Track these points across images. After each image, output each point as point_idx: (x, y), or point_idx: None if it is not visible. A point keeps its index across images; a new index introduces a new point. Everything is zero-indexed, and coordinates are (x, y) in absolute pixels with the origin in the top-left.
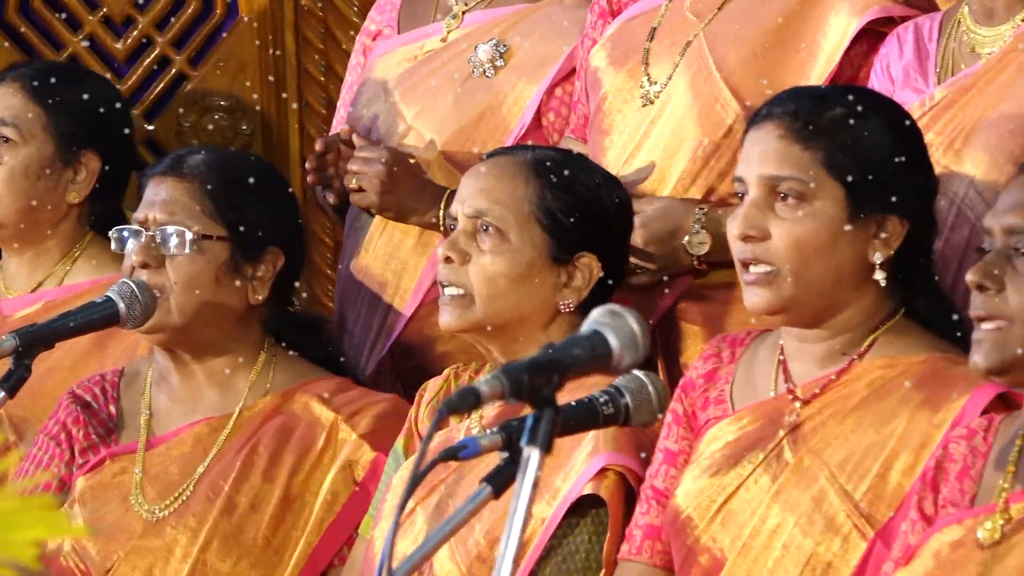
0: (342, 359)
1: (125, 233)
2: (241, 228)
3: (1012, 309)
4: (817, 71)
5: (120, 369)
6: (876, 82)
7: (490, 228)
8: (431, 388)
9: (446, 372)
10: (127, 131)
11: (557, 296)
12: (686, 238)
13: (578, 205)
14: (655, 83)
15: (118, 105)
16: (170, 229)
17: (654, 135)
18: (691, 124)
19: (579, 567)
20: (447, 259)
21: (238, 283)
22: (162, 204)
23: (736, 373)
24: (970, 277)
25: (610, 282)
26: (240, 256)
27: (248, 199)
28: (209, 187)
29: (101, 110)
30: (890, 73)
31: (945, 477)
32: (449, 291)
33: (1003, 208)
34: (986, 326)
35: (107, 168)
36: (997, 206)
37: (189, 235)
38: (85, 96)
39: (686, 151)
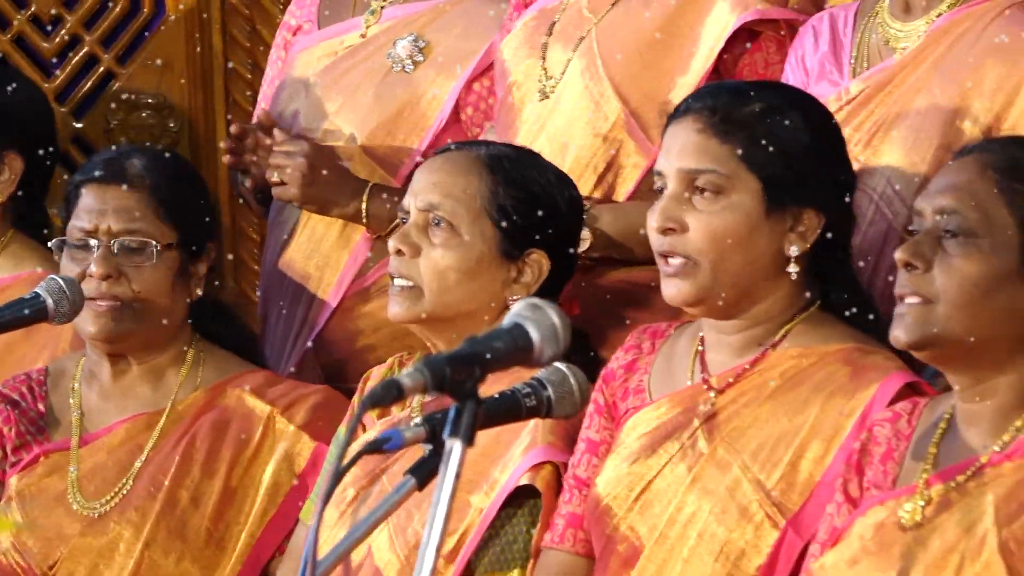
0: (253, 347)
1: (79, 239)
2: (188, 230)
3: (937, 288)
4: (695, 68)
5: (44, 367)
6: (791, 74)
7: (441, 222)
8: (375, 376)
9: (390, 360)
10: (51, 132)
11: (506, 291)
12: None
13: (530, 202)
14: (551, 78)
15: (42, 106)
16: (132, 240)
17: (548, 129)
18: (580, 120)
19: (517, 556)
20: (398, 252)
21: (184, 284)
22: (115, 213)
23: (655, 363)
24: (899, 255)
25: (558, 280)
26: (187, 257)
27: (190, 201)
28: (158, 194)
29: (24, 111)
30: (805, 65)
31: (870, 460)
32: (399, 282)
33: (935, 190)
34: (910, 300)
35: (30, 168)
36: (929, 188)
37: (157, 246)
38: (8, 97)
39: (574, 146)
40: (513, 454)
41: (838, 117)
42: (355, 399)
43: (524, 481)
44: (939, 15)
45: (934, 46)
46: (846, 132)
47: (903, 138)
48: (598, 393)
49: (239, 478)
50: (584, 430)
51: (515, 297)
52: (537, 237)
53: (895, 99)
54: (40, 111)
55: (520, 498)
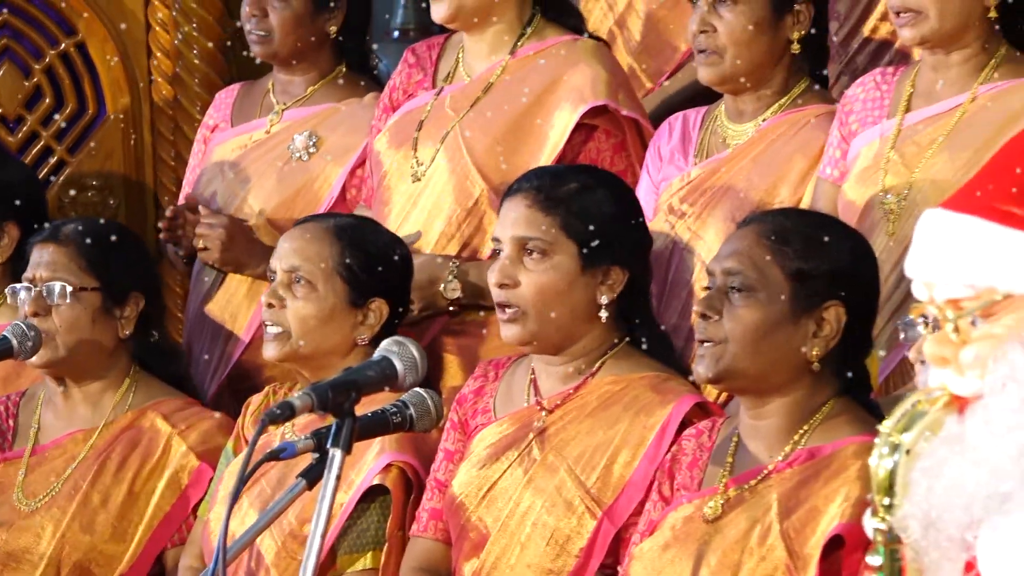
0: (188, 380)
1: (17, 287)
2: (109, 279)
3: (727, 332)
4: (545, 155)
5: (23, 391)
6: (649, 160)
7: (302, 280)
8: (255, 401)
9: (266, 388)
10: (42, 204)
11: (354, 332)
12: (442, 286)
13: (370, 261)
14: (422, 164)
15: (34, 184)
16: (54, 284)
17: (420, 205)
18: (448, 196)
19: (369, 541)
20: (269, 304)
21: (109, 322)
22: (46, 265)
23: (499, 389)
24: (696, 308)
25: (396, 320)
26: (110, 301)
27: (112, 255)
28: (81, 249)
29: (20, 188)
30: (660, 152)
31: (679, 467)
32: (272, 329)
33: (723, 255)
34: (707, 345)
35: (25, 236)
36: (718, 252)
37: (69, 288)
38: (6, 177)
39: (443, 218)
40: (366, 459)
41: (679, 195)
42: (239, 420)
43: (376, 481)
44: (764, 120)
45: (757, 143)
46: (684, 207)
47: (725, 213)
48: (453, 413)
49: (141, 485)
50: (443, 442)
51: (363, 336)
52: (377, 288)
53: (723, 183)
54: (33, 187)
55: (372, 495)
